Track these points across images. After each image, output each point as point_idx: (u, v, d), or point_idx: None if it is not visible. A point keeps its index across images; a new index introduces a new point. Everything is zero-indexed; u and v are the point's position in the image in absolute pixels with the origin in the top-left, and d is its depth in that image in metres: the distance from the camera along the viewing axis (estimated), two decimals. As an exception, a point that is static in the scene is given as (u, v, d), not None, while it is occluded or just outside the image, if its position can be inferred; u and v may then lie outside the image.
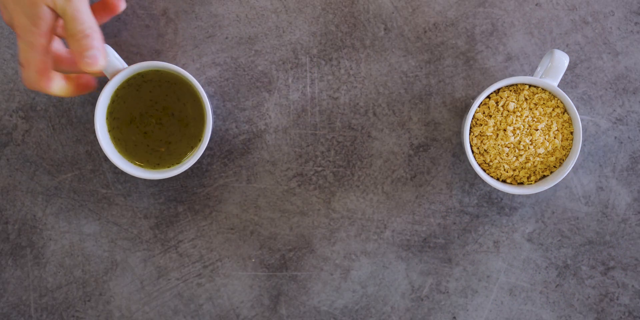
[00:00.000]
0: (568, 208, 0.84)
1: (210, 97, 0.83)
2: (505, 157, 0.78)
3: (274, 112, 0.84)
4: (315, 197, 0.84)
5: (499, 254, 0.84)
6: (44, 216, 0.84)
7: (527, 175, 0.79)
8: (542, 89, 0.79)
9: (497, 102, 0.79)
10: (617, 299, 0.84)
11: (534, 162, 0.78)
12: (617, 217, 0.84)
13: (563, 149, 0.79)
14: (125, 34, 0.83)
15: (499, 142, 0.78)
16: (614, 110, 0.84)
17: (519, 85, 0.79)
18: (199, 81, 0.83)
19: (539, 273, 0.84)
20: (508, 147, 0.78)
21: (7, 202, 0.84)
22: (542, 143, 0.78)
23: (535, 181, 0.80)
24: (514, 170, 0.79)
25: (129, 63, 0.83)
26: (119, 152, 0.80)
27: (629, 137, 0.84)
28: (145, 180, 0.83)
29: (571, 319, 0.84)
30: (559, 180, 0.78)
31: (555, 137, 0.78)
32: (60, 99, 0.83)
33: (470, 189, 0.84)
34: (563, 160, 0.79)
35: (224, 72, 0.84)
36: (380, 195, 0.84)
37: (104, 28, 0.83)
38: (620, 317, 0.84)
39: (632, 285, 0.84)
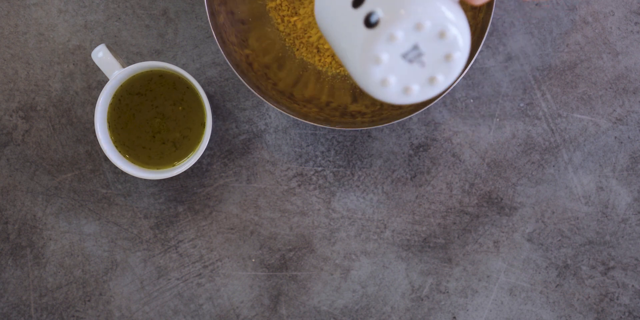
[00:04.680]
0: (568, 208, 0.84)
1: (210, 97, 0.83)
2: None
3: (274, 112, 0.84)
4: (315, 197, 0.84)
5: (499, 254, 0.84)
6: (44, 216, 0.84)
7: None
8: None
9: None
10: (617, 299, 0.84)
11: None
12: (617, 217, 0.84)
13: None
14: (125, 34, 0.83)
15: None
16: (614, 110, 0.84)
17: None
18: (199, 81, 0.83)
19: (539, 273, 0.84)
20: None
21: (7, 202, 0.84)
22: None
23: None
24: None
25: (129, 63, 0.83)
26: (119, 152, 0.80)
27: (629, 137, 0.84)
28: (145, 180, 0.83)
29: (571, 319, 0.84)
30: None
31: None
32: (60, 99, 0.83)
33: (470, 189, 0.84)
34: None
35: (224, 72, 0.84)
36: (380, 195, 0.84)
37: (103, 28, 0.83)
38: (620, 317, 0.84)
39: (632, 285, 0.84)
